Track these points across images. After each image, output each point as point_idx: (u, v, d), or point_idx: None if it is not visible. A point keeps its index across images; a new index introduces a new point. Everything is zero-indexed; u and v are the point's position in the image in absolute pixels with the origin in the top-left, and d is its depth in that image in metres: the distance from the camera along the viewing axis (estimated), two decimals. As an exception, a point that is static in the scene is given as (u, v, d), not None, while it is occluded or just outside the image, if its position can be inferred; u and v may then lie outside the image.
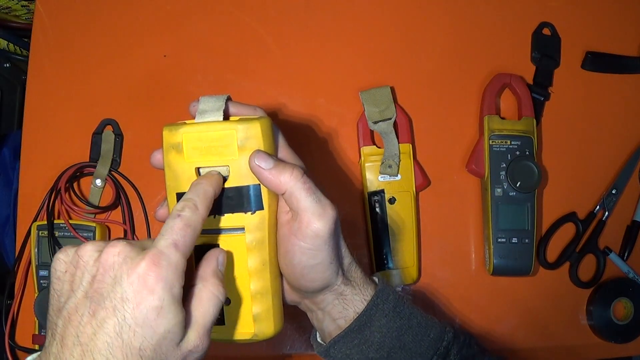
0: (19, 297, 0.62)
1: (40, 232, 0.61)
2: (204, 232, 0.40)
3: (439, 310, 0.63)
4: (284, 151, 0.43)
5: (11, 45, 0.82)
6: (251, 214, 0.40)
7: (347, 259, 0.44)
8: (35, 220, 0.62)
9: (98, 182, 0.64)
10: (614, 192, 0.65)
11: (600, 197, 0.65)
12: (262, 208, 0.40)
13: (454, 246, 0.64)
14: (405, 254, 0.61)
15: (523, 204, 0.61)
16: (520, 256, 0.61)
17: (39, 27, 0.67)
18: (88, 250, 0.35)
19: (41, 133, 0.65)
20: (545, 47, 0.67)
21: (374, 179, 0.62)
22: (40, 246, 0.61)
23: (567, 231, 0.65)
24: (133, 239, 0.63)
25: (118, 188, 0.64)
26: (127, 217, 0.63)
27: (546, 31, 0.67)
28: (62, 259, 0.36)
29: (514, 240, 0.61)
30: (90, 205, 0.63)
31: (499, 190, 0.61)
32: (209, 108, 0.41)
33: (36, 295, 0.61)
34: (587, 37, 0.67)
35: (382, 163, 0.61)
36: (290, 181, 0.39)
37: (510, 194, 0.61)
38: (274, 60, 0.66)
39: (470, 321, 0.63)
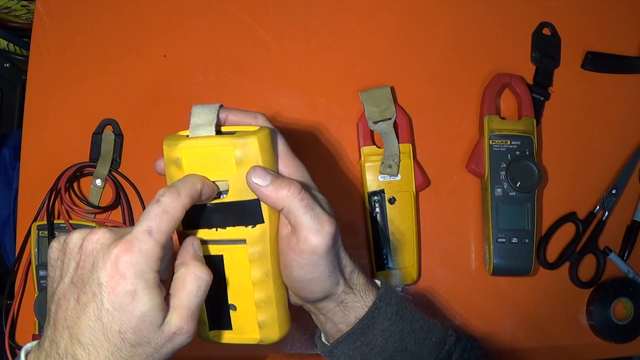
0: (19, 297, 0.62)
1: (40, 232, 0.61)
2: (208, 242, 0.41)
3: (438, 310, 0.63)
4: (285, 159, 0.42)
5: (11, 45, 0.82)
6: (252, 227, 0.40)
7: (348, 267, 0.44)
8: (35, 220, 0.62)
9: (98, 182, 0.64)
10: (614, 192, 0.65)
11: (600, 197, 0.65)
12: (262, 222, 0.40)
13: (454, 246, 0.64)
14: (405, 254, 0.61)
15: (523, 204, 0.61)
16: (520, 256, 0.61)
17: (39, 27, 0.67)
18: (74, 239, 0.36)
19: (41, 133, 0.65)
20: (545, 47, 0.67)
21: (374, 179, 0.62)
22: (40, 246, 0.61)
23: (567, 231, 0.65)
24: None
25: (118, 188, 0.64)
26: (127, 217, 0.63)
27: (546, 31, 0.67)
28: (55, 247, 0.38)
29: (514, 240, 0.61)
30: (90, 205, 0.63)
31: (499, 190, 0.61)
32: (202, 122, 0.40)
33: (36, 295, 0.61)
34: (587, 37, 0.67)
35: (382, 163, 0.61)
36: (287, 198, 0.39)
37: (510, 194, 0.61)
38: (274, 61, 0.66)
39: (470, 321, 0.63)
